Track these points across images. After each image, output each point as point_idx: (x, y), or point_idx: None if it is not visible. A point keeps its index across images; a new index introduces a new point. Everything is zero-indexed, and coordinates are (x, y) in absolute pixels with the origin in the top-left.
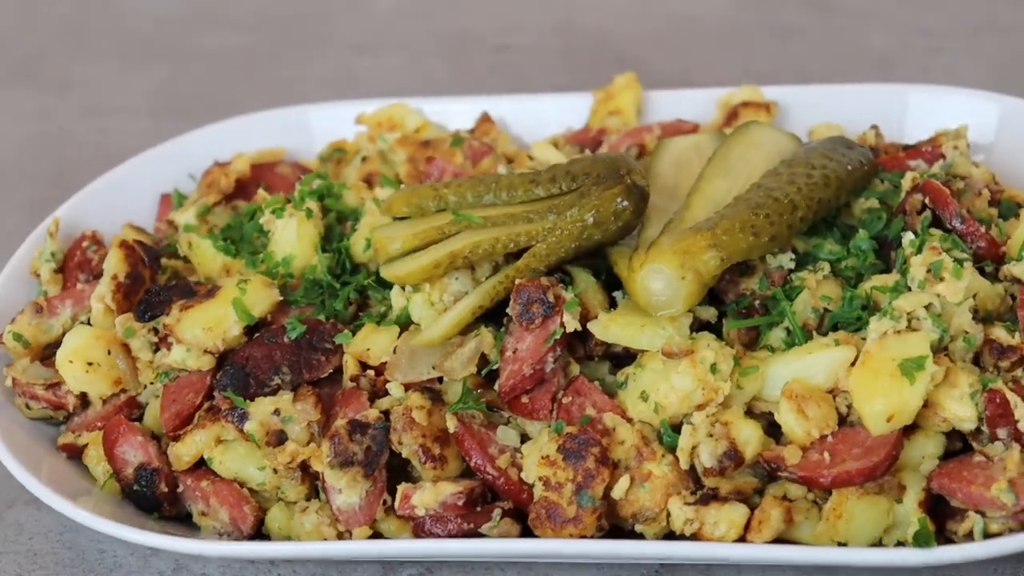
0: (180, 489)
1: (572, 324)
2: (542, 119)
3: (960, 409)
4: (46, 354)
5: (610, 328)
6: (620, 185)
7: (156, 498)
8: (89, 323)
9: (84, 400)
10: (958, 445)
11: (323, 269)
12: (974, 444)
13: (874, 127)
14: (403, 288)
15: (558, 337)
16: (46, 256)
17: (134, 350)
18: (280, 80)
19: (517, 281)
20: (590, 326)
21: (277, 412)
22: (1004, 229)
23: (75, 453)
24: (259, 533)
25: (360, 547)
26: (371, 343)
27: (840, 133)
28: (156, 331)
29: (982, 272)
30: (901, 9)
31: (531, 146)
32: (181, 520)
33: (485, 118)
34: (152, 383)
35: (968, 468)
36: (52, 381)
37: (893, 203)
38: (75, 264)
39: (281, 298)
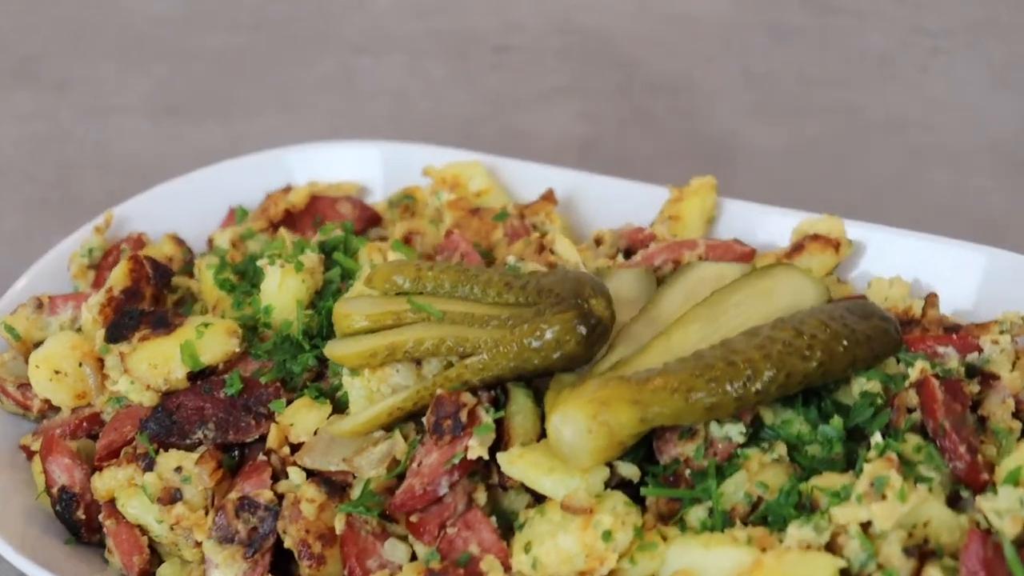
0: (101, 517)
1: (477, 451)
2: (610, 207)
3: None
4: None
5: (516, 464)
6: (572, 311)
7: (73, 523)
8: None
9: (52, 405)
10: None
11: (299, 329)
12: None
13: (930, 296)
14: (350, 372)
15: (456, 462)
16: (83, 251)
17: (106, 367)
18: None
19: (439, 391)
20: (499, 456)
21: (179, 469)
22: (1007, 449)
23: (31, 456)
24: None
25: None
26: (299, 418)
27: (904, 293)
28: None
29: (956, 497)
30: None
31: (555, 238)
32: (100, 548)
33: (548, 196)
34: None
35: None
36: (24, 381)
37: (897, 390)
38: (109, 264)
39: (238, 349)
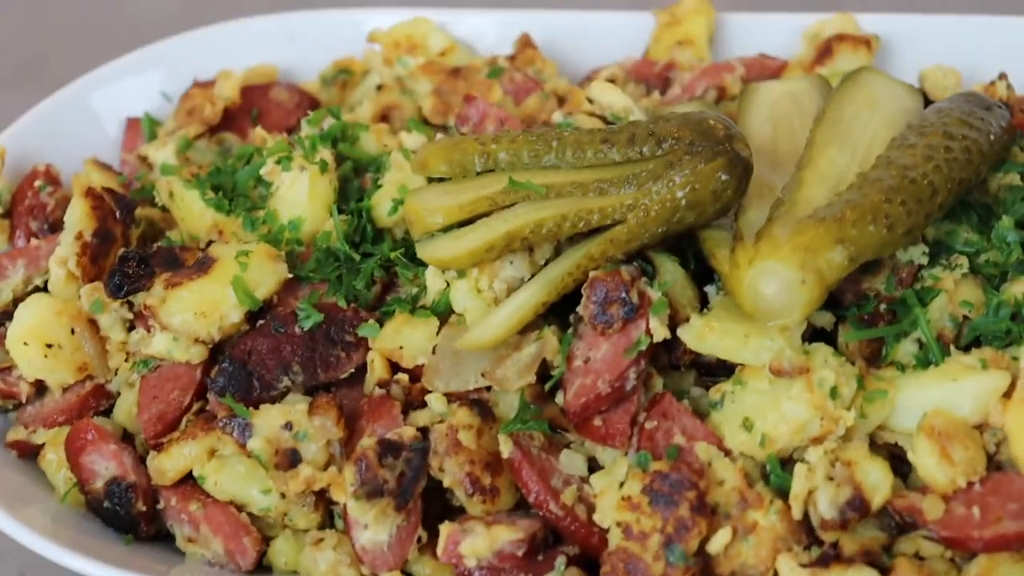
0: (161, 506)
1: (661, 332)
2: (593, 43)
3: None
4: None
5: (707, 338)
6: (722, 157)
7: (131, 518)
8: (46, 288)
9: (40, 387)
10: None
11: (339, 236)
12: None
13: (1003, 76)
14: (443, 269)
15: (643, 348)
16: None
17: (103, 328)
18: None
19: (592, 273)
20: (680, 332)
21: (289, 426)
22: None
23: (28, 452)
24: (260, 566)
25: None
26: (404, 339)
27: (958, 80)
28: (130, 305)
29: None
30: None
31: (590, 86)
32: (160, 540)
33: (526, 41)
34: (126, 370)
35: None
36: (1, 364)
37: None
38: (25, 208)
39: (290, 274)
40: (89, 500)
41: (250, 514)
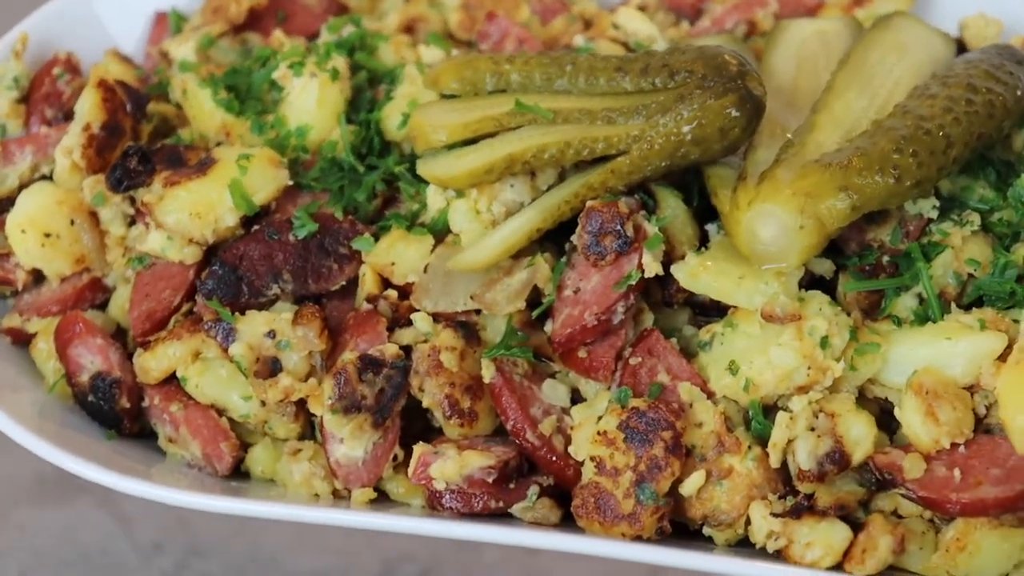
0: (146, 404)
1: (653, 268)
2: None
3: None
4: None
5: (700, 277)
6: (733, 94)
7: (115, 414)
8: (51, 177)
9: (38, 275)
10: None
11: (346, 147)
12: None
13: None
14: (443, 188)
15: (633, 282)
16: (7, 82)
17: (103, 222)
18: None
19: (589, 202)
20: (674, 269)
21: (272, 334)
22: None
23: (21, 340)
24: (237, 472)
25: (357, 518)
26: (397, 255)
27: (999, 30)
28: (133, 200)
29: None
30: None
31: (616, 10)
32: (144, 438)
33: None
34: (123, 266)
35: None
36: (0, 250)
37: None
38: (42, 95)
39: (291, 182)
40: (75, 393)
41: (231, 420)
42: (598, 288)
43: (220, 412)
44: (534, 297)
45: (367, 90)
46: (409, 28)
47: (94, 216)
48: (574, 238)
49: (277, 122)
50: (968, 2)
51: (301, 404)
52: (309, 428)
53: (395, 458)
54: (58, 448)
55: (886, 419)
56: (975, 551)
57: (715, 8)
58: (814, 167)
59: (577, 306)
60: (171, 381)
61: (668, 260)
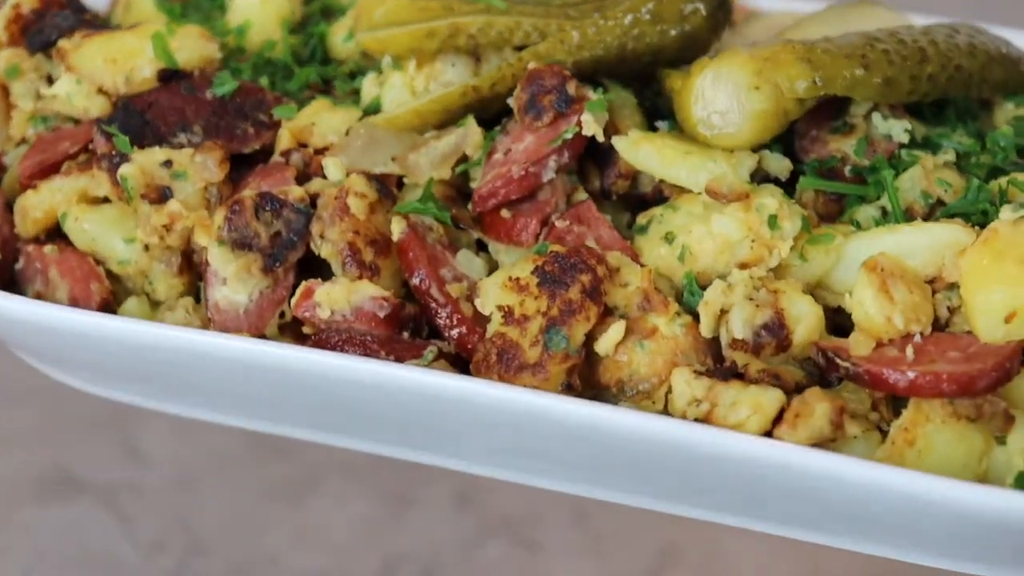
0: (20, 265)
1: (592, 127)
2: None
3: None
4: None
5: (642, 147)
6: None
7: None
8: None
9: None
10: None
11: (285, 49)
12: None
13: None
14: (379, 73)
15: (569, 136)
16: None
17: (13, 95)
18: None
19: (531, 64)
20: (615, 141)
21: (168, 163)
22: None
23: None
24: None
25: (221, 344)
26: (319, 119)
27: None
28: (50, 79)
29: None
30: None
31: None
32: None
33: None
34: (24, 138)
35: None
36: None
37: None
38: None
39: (219, 55)
40: None
41: (108, 271)
42: (531, 147)
43: (98, 261)
44: (462, 182)
45: (320, 21)
46: None
47: (4, 90)
48: (510, 100)
49: (220, 24)
50: None
51: (188, 260)
52: (191, 292)
53: (282, 315)
54: None
55: (837, 333)
56: (926, 449)
57: None
58: (776, 41)
59: (505, 165)
60: (51, 239)
61: (610, 142)
